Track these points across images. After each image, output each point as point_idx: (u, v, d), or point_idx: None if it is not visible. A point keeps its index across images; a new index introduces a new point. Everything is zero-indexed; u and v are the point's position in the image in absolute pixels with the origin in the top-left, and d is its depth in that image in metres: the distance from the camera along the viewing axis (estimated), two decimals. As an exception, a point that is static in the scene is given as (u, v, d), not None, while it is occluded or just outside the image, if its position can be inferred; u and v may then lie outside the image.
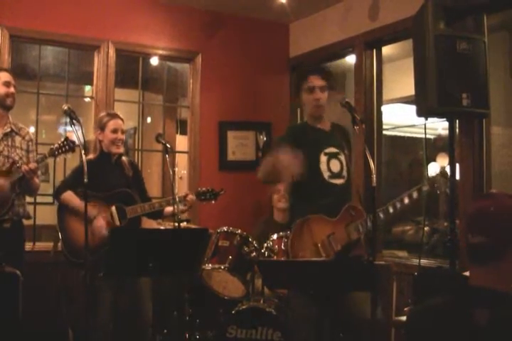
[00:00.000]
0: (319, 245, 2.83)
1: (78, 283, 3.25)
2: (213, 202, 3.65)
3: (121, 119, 3.51)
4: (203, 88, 4.97)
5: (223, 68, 5.06)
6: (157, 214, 3.61)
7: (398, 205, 2.79)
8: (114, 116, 3.50)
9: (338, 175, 2.99)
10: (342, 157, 3.04)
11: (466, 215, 1.61)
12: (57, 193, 3.38)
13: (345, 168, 3.02)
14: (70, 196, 3.32)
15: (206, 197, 3.61)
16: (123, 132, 3.48)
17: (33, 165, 3.28)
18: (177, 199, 3.32)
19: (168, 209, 3.55)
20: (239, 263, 3.61)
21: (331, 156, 3.01)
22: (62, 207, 3.37)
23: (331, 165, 2.99)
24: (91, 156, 3.42)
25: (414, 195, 2.79)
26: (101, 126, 3.45)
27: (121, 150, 3.48)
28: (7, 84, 3.43)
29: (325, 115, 3.12)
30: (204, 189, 3.63)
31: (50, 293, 4.06)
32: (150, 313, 3.37)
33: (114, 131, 3.42)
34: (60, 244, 3.41)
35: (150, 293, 3.38)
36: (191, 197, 3.55)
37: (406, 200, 2.79)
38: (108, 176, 3.42)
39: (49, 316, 3.97)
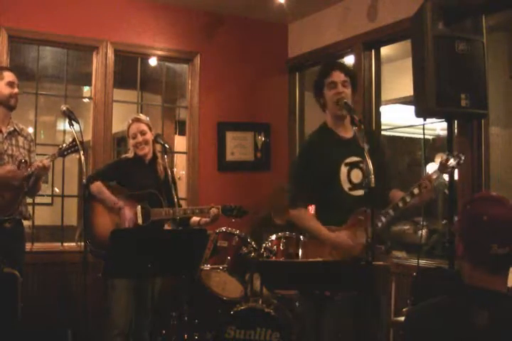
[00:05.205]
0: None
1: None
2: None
3: (142, 122, 3.52)
4: (202, 89, 4.97)
5: (222, 69, 5.06)
6: (183, 224, 3.56)
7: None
8: (134, 120, 3.54)
9: (360, 186, 2.83)
10: (364, 165, 2.86)
11: (485, 224, 1.51)
12: (88, 181, 3.38)
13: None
14: (99, 187, 3.40)
15: (232, 214, 3.51)
16: (143, 134, 3.49)
17: (46, 162, 3.23)
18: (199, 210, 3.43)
19: (195, 219, 3.57)
20: (237, 263, 3.60)
21: (353, 166, 2.85)
22: (89, 198, 3.38)
23: (352, 176, 2.84)
24: (129, 155, 3.55)
25: (408, 198, 2.68)
26: (127, 134, 3.54)
27: (146, 150, 3.50)
28: (11, 84, 3.39)
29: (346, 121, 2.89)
30: (232, 205, 3.53)
31: (49, 293, 4.06)
32: (149, 314, 3.36)
33: (134, 136, 3.49)
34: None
35: (150, 293, 3.38)
36: (214, 210, 3.47)
37: (401, 204, 2.68)
38: (140, 176, 3.48)
39: (49, 316, 3.97)
